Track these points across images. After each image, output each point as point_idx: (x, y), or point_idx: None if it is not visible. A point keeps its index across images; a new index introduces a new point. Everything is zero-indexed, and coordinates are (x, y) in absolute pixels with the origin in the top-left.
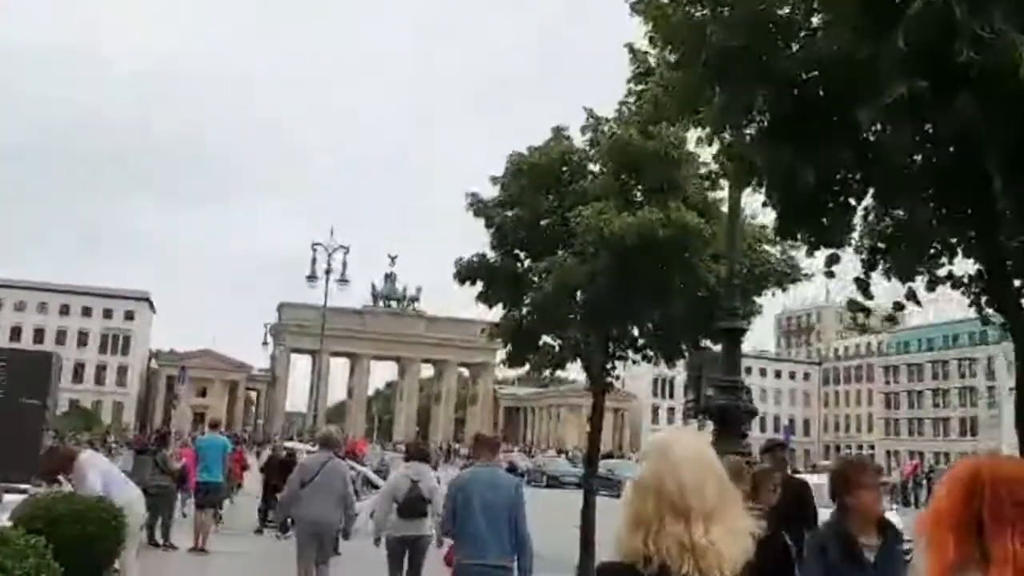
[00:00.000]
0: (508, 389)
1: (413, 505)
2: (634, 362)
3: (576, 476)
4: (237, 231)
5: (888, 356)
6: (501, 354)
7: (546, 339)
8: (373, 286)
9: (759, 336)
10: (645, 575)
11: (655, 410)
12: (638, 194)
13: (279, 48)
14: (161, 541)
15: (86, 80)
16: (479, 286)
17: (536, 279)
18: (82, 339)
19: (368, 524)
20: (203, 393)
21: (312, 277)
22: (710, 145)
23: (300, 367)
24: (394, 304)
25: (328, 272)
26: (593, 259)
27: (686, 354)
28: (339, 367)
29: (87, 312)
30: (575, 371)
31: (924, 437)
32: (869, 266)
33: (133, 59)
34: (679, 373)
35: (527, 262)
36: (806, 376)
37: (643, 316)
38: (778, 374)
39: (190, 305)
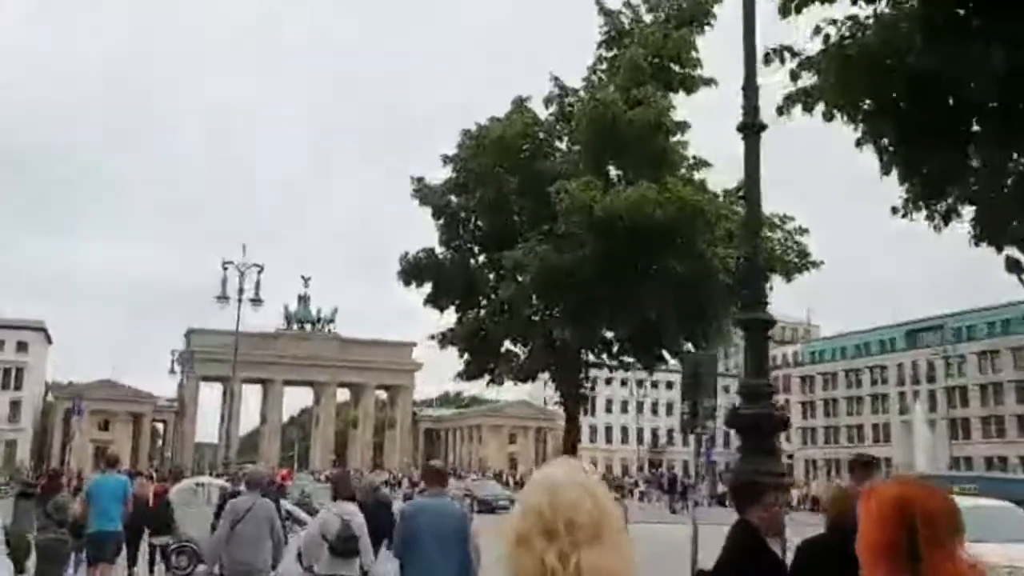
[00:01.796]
0: (428, 411)
1: (346, 544)
2: (611, 369)
3: (510, 499)
4: (136, 260)
5: (803, 367)
6: (420, 375)
7: (508, 346)
8: (286, 308)
9: None
10: None
11: (593, 430)
12: (617, 172)
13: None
14: None
15: None
16: (427, 287)
17: (495, 275)
18: None
19: (294, 566)
20: (105, 426)
21: (223, 297)
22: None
23: (210, 395)
24: (308, 327)
25: (241, 292)
26: (579, 245)
27: (670, 359)
28: (252, 394)
29: None
30: (508, 390)
31: (839, 445)
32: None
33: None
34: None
35: (482, 257)
36: (726, 390)
37: (635, 312)
38: None
39: (90, 336)
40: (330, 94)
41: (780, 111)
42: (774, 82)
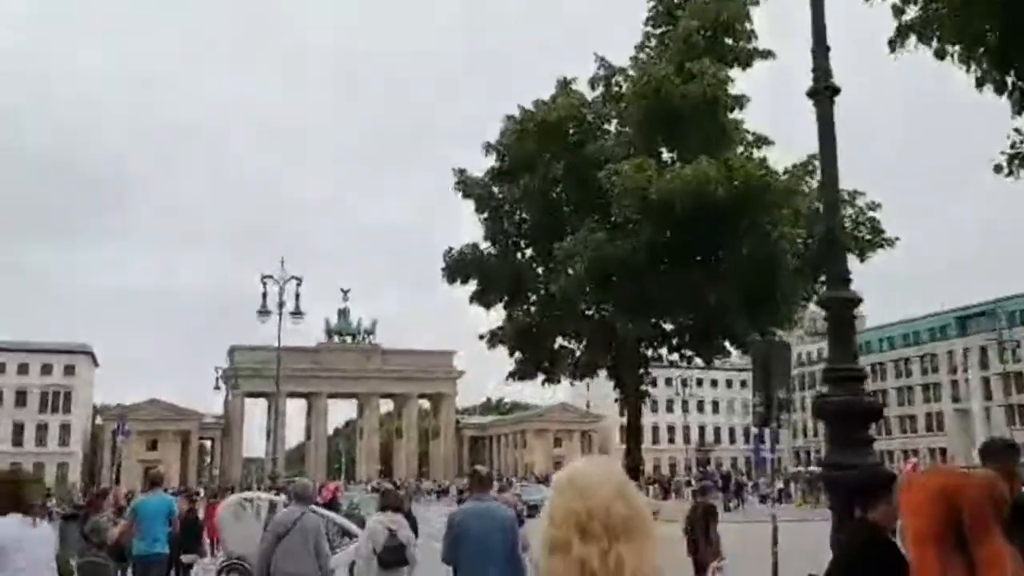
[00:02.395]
0: (471, 419)
1: (393, 554)
2: (670, 363)
3: None
4: (171, 274)
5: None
6: (462, 383)
7: (561, 342)
8: (327, 322)
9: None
10: None
11: (623, 429)
12: (670, 154)
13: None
14: None
15: None
16: (472, 285)
17: (543, 269)
18: (20, 398)
19: None
20: (153, 446)
21: (264, 312)
22: None
23: (255, 411)
24: (349, 339)
25: (281, 306)
26: (633, 232)
27: (732, 349)
28: (296, 408)
29: (23, 369)
30: (564, 391)
31: (891, 436)
32: None
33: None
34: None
35: (528, 251)
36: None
37: (696, 300)
38: (743, 384)
39: (134, 356)
40: (362, 95)
41: (892, 45)
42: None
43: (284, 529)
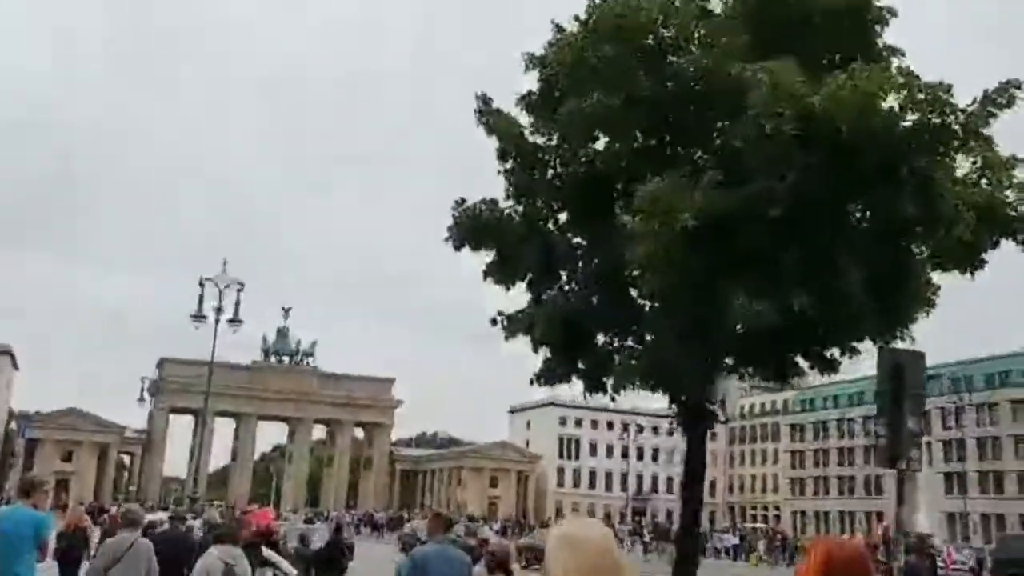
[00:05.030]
0: (405, 451)
1: None
2: (741, 376)
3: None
4: (109, 287)
5: (794, 414)
6: (399, 413)
7: (604, 339)
8: (264, 339)
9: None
10: None
11: (560, 472)
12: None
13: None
14: None
15: None
16: (483, 256)
17: (589, 240)
18: None
19: None
20: (68, 457)
21: (199, 317)
22: None
23: (180, 429)
24: (286, 360)
25: (219, 312)
26: (775, 167)
27: (801, 367)
28: (224, 429)
29: None
30: (503, 429)
31: (830, 496)
32: None
33: None
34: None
35: (562, 216)
36: (712, 436)
37: (826, 280)
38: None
39: (58, 365)
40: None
41: None
42: None
43: (117, 556)
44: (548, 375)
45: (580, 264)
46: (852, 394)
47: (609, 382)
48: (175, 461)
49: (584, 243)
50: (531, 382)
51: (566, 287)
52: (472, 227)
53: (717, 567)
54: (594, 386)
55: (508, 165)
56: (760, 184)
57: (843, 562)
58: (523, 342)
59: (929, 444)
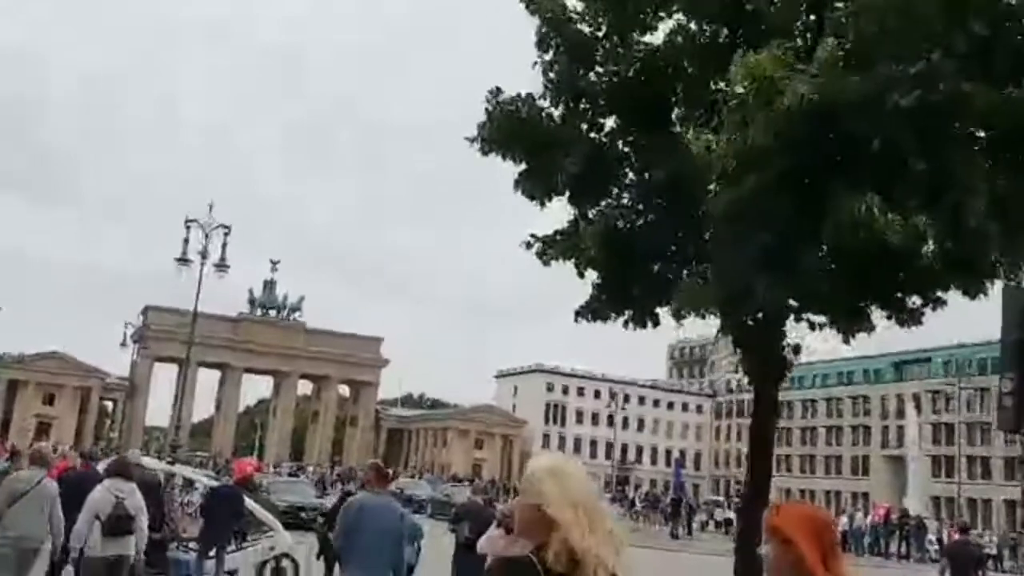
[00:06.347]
0: (392, 411)
1: (118, 523)
2: (811, 325)
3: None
4: (92, 234)
5: (783, 391)
6: (386, 372)
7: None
8: (251, 292)
9: (649, 365)
10: (538, 568)
11: (546, 438)
12: None
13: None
14: None
15: None
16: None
17: (645, 144)
18: None
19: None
20: (50, 400)
21: (183, 260)
22: None
23: (164, 377)
24: (273, 313)
25: (204, 256)
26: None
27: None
28: (208, 380)
29: None
30: (490, 390)
31: (816, 475)
32: None
33: None
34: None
35: (609, 122)
36: (699, 409)
37: (948, 197)
38: (670, 405)
39: (42, 311)
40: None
41: None
42: None
43: (20, 491)
44: (597, 307)
45: (633, 176)
46: (841, 372)
47: (664, 311)
48: (159, 410)
49: (635, 153)
50: (578, 317)
51: (614, 203)
52: (506, 127)
53: (712, 540)
54: (643, 319)
55: (549, 56)
56: (890, 69)
57: (825, 524)
58: (565, 267)
59: (919, 427)
